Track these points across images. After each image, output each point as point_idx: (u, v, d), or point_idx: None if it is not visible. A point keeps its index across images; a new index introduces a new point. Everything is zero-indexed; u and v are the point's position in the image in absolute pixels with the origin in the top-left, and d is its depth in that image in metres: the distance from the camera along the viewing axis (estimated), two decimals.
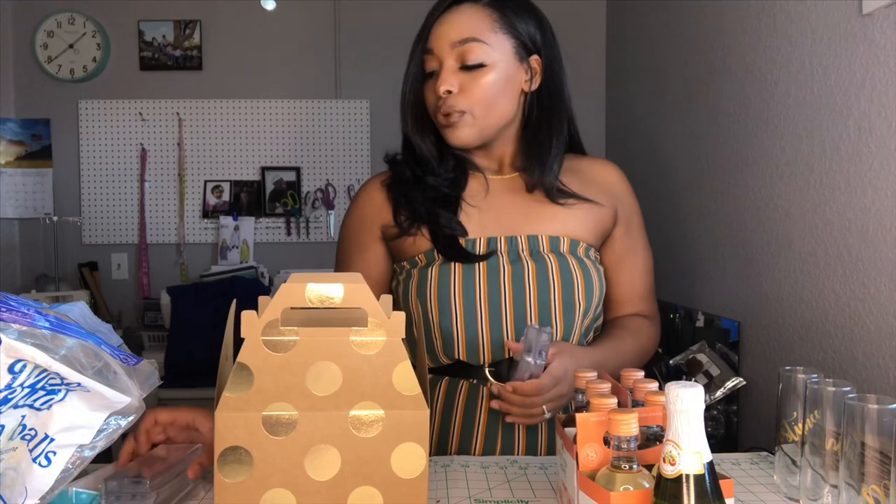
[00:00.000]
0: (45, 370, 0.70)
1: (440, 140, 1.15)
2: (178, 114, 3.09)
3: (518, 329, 1.07)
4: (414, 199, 1.13)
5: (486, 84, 1.08)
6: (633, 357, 1.15)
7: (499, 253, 1.10)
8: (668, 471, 0.56)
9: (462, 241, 1.11)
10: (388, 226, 1.16)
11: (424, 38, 1.11)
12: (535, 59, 1.13)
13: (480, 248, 1.10)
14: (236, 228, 3.09)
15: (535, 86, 1.14)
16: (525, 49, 1.12)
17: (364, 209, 1.20)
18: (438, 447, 1.10)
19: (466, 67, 1.08)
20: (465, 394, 1.09)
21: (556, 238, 1.11)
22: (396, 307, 1.11)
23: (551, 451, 1.08)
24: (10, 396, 0.69)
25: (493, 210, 1.14)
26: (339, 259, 1.23)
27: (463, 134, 1.10)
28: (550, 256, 1.10)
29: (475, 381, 1.09)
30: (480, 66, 1.08)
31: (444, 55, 1.09)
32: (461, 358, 1.09)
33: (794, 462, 0.79)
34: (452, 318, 1.07)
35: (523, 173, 1.16)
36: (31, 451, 0.68)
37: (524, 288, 1.07)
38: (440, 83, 1.08)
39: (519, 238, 1.11)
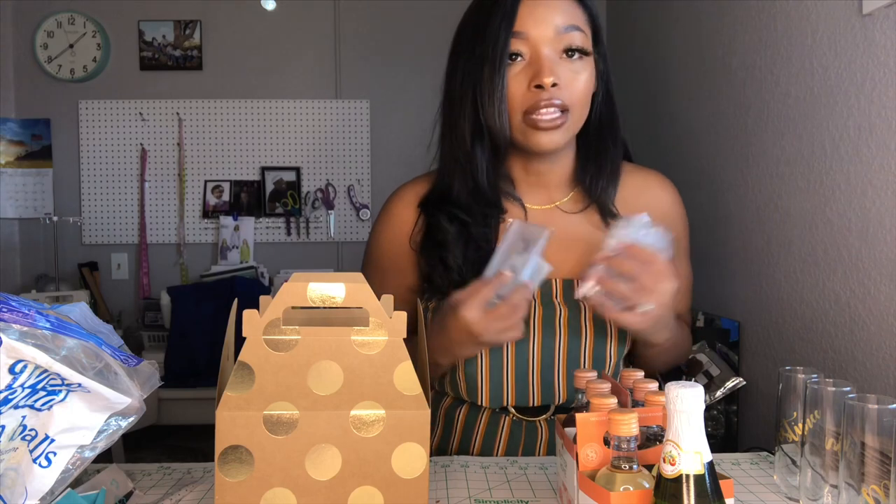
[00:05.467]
0: (45, 371, 0.70)
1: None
2: (178, 114, 3.09)
3: (545, 379, 1.00)
4: (453, 257, 1.01)
5: (586, 80, 0.97)
6: (682, 347, 1.12)
7: (532, 298, 1.00)
8: (668, 471, 0.56)
9: None
10: (418, 275, 1.06)
11: (511, 19, 0.95)
12: (597, 59, 1.02)
13: None
14: (236, 228, 3.09)
15: (595, 88, 1.03)
16: (598, 46, 1.02)
17: (396, 235, 1.08)
18: None
19: (570, 54, 0.96)
20: (486, 421, 1.04)
21: None
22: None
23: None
24: (10, 397, 0.69)
25: None
26: (369, 276, 1.13)
27: (560, 136, 0.97)
28: (585, 304, 1.00)
29: (497, 411, 1.04)
30: (585, 54, 0.97)
31: (543, 41, 0.94)
32: (484, 404, 1.02)
33: (794, 462, 0.79)
34: (477, 365, 1.00)
35: (579, 188, 1.06)
36: (31, 451, 0.68)
37: (554, 338, 1.00)
38: (546, 73, 0.93)
39: (554, 282, 1.02)
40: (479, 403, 1.03)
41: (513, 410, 1.03)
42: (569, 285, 1.02)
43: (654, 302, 0.90)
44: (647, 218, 0.93)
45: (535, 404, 1.02)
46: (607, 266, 0.90)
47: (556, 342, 1.00)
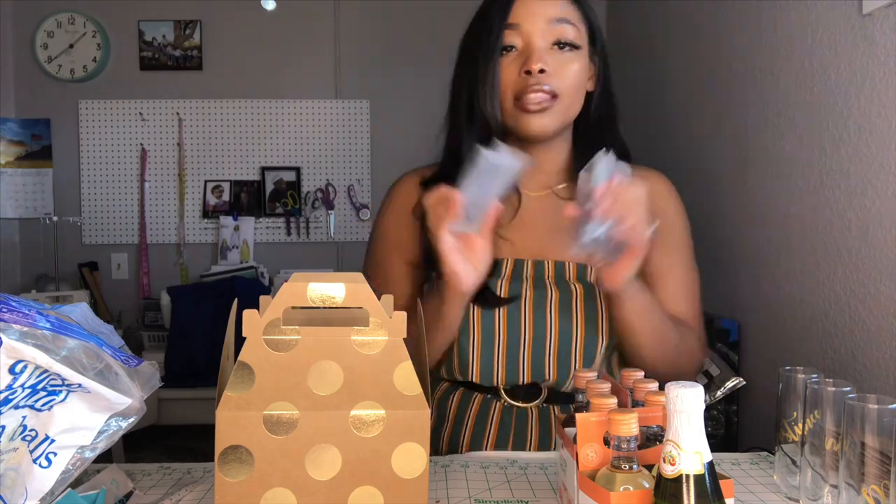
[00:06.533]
0: (46, 371, 0.70)
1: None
2: (178, 114, 3.10)
3: (535, 358, 1.03)
4: None
5: (577, 70, 1.03)
6: (670, 334, 1.02)
7: (524, 277, 1.05)
8: (668, 471, 0.56)
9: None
10: (420, 248, 1.08)
11: (505, 12, 1.03)
12: (595, 59, 1.09)
13: (506, 272, 1.06)
14: (236, 228, 3.09)
15: (593, 87, 1.09)
16: (594, 45, 1.08)
17: (400, 209, 1.13)
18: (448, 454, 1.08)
19: (561, 46, 1.02)
20: (478, 406, 1.07)
21: (583, 266, 1.06)
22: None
23: None
24: (10, 397, 0.69)
25: (523, 230, 1.08)
26: (375, 261, 1.15)
27: (549, 121, 1.03)
28: (576, 286, 1.04)
29: (489, 396, 1.07)
30: (575, 47, 1.03)
31: (534, 32, 1.02)
32: (474, 380, 1.06)
33: (794, 462, 0.79)
34: (469, 339, 1.04)
35: (573, 182, 1.04)
36: (31, 451, 0.68)
37: (545, 316, 1.03)
38: (535, 60, 1.00)
39: (546, 263, 1.06)
40: (470, 380, 1.06)
41: (504, 395, 1.05)
42: (561, 267, 1.06)
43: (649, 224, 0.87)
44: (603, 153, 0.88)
45: (525, 381, 1.04)
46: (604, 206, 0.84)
47: (547, 323, 1.03)
